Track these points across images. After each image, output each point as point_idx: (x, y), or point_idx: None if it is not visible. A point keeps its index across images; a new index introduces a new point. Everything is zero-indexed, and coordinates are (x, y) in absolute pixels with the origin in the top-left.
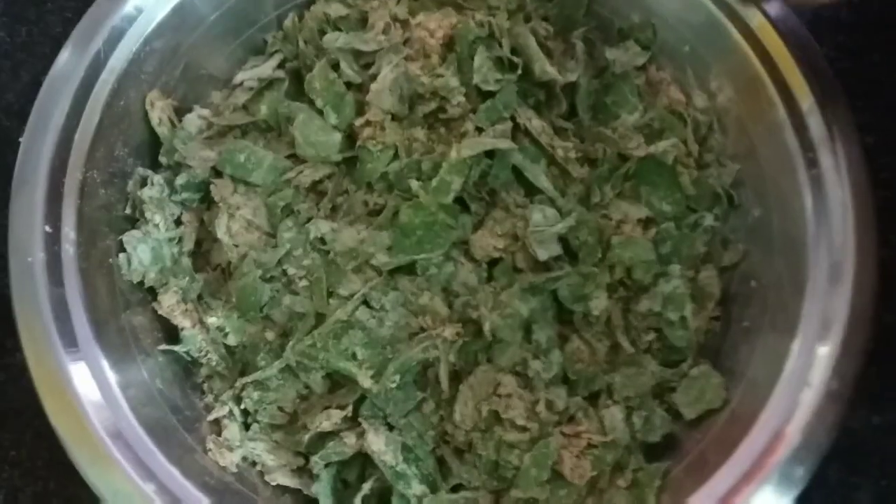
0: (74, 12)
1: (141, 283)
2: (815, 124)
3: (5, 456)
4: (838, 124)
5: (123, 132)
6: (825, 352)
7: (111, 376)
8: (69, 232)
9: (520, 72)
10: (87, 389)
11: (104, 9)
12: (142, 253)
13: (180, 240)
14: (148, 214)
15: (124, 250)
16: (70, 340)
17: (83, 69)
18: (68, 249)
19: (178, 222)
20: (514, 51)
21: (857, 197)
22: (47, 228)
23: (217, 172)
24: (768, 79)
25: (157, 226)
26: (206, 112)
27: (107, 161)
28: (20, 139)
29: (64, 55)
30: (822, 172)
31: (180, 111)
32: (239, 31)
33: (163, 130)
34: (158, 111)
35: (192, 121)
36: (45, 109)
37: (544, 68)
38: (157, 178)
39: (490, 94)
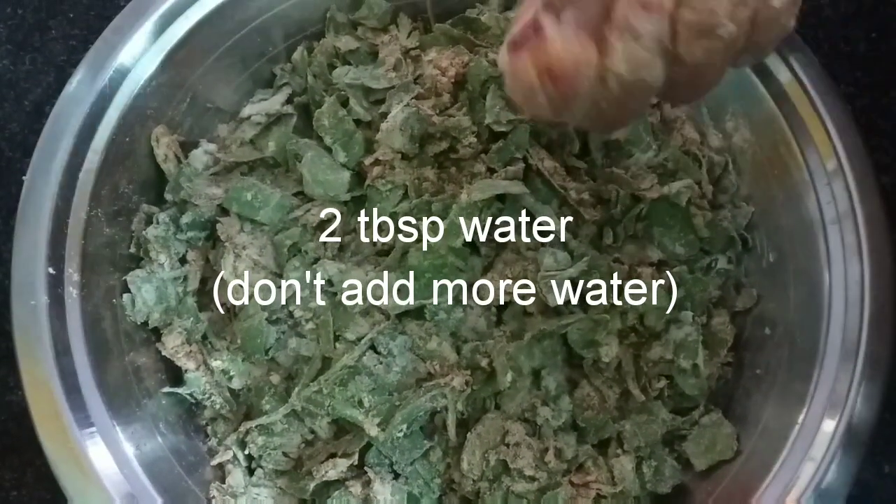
0: (79, 40)
1: (145, 323)
2: (838, 186)
3: (6, 496)
4: (861, 187)
5: (128, 169)
6: (830, 427)
7: (114, 421)
8: (73, 274)
9: None
10: (89, 436)
11: (109, 43)
12: (146, 293)
13: (185, 279)
14: (153, 254)
15: (128, 290)
16: (73, 386)
17: (88, 105)
18: (72, 292)
19: (182, 261)
20: None
21: (876, 269)
22: (51, 270)
23: (223, 210)
24: (787, 128)
25: (161, 265)
26: (212, 147)
27: (111, 199)
28: (23, 176)
29: (69, 90)
30: (841, 232)
31: (186, 145)
32: (247, 63)
33: (168, 167)
34: (164, 147)
35: (199, 157)
36: (48, 148)
37: None
38: (163, 217)
39: (502, 135)
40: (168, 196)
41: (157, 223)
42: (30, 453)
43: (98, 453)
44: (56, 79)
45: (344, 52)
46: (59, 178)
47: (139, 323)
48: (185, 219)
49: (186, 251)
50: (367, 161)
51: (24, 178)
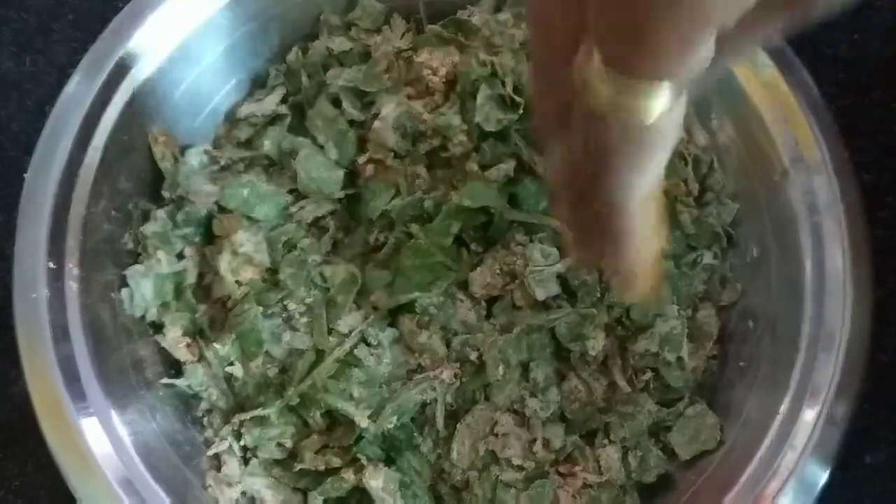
0: (80, 42)
1: (143, 317)
2: (820, 182)
3: (9, 486)
4: (842, 182)
5: (127, 167)
6: (811, 416)
7: (113, 411)
8: (72, 268)
9: (521, 111)
10: (89, 425)
11: (109, 44)
12: (144, 288)
13: (182, 274)
14: (151, 249)
15: (126, 284)
16: (73, 376)
17: (87, 105)
18: (71, 286)
19: (179, 256)
20: (516, 90)
21: (856, 266)
22: (51, 265)
23: (220, 207)
24: (770, 126)
25: (159, 260)
26: (208, 146)
27: (110, 196)
28: (25, 174)
29: (68, 90)
30: (822, 227)
31: (183, 145)
32: (243, 63)
33: (166, 165)
34: (161, 146)
35: (195, 155)
36: (49, 146)
37: None
38: (161, 213)
39: (492, 134)
40: (165, 193)
41: (156, 219)
42: (31, 444)
43: (97, 442)
44: (58, 80)
45: (337, 53)
46: (59, 176)
47: (137, 317)
48: (181, 215)
49: (184, 247)
50: (361, 160)
51: (25, 175)
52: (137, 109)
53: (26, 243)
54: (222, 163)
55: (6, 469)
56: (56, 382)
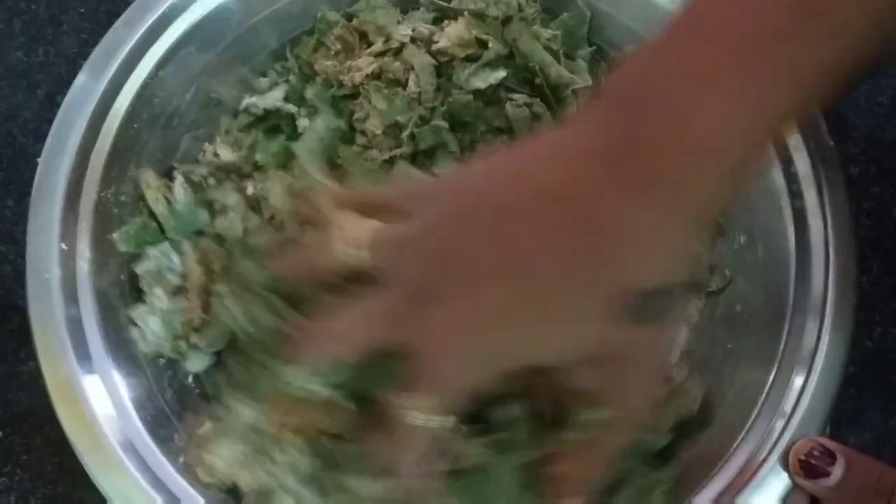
0: (90, 34)
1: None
2: (801, 160)
3: (17, 460)
4: (823, 161)
5: (136, 154)
6: (800, 383)
7: (122, 387)
8: (84, 250)
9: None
10: (100, 401)
11: (120, 34)
12: (153, 325)
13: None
14: (146, 287)
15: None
16: (83, 353)
17: (99, 93)
18: (82, 266)
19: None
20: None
21: (838, 237)
22: (63, 246)
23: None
24: None
25: (158, 297)
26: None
27: (120, 181)
28: (37, 158)
29: (81, 79)
30: (806, 207)
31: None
32: (248, 57)
33: (160, 209)
34: (154, 191)
35: (180, 191)
36: (62, 131)
37: (560, 73)
38: (153, 252)
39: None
40: (171, 235)
41: (148, 258)
42: (39, 419)
43: (108, 419)
44: (67, 70)
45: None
46: (71, 160)
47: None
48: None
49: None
50: None
51: (37, 160)
52: (147, 99)
53: (40, 224)
54: (195, 179)
55: (14, 444)
56: (68, 361)
